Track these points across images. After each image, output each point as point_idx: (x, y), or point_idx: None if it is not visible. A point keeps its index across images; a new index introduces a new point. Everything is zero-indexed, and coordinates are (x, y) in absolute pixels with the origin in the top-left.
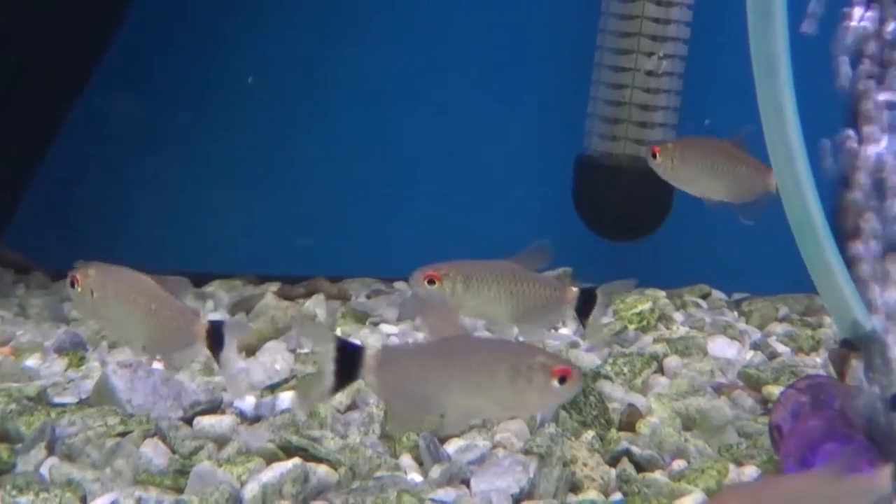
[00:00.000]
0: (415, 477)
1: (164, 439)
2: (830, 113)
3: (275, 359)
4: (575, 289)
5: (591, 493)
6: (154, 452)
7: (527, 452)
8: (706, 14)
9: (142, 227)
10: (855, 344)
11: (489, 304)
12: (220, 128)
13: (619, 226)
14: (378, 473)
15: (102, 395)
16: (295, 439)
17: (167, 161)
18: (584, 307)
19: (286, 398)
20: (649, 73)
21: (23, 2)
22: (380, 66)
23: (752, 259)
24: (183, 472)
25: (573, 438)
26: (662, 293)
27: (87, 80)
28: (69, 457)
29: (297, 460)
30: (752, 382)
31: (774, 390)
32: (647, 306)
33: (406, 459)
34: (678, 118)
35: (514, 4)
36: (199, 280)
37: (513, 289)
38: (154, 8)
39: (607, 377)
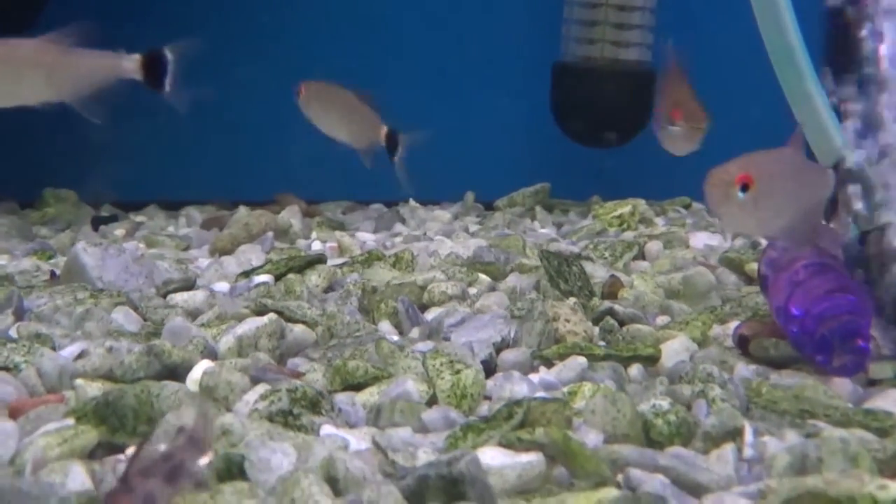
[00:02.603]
0: (393, 338)
1: (135, 309)
2: None
3: (249, 258)
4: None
5: None
6: (125, 319)
7: (511, 316)
8: None
9: (113, 158)
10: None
11: None
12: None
13: (598, 129)
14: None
15: (72, 273)
16: (270, 303)
17: (137, 95)
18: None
19: (261, 279)
20: None
21: None
22: None
23: None
24: (155, 334)
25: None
26: (642, 200)
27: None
28: (38, 321)
29: (272, 315)
30: (734, 265)
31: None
32: (626, 210)
33: (385, 325)
34: (654, 19)
35: None
36: (175, 206)
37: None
38: None
39: (588, 258)
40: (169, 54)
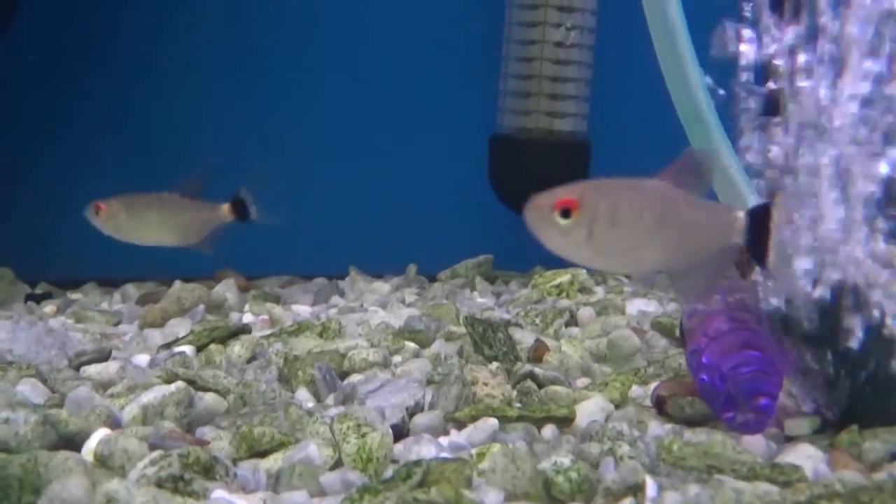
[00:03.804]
0: (309, 404)
1: (44, 381)
2: None
3: (177, 331)
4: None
5: None
6: (32, 392)
7: (429, 382)
8: None
9: (52, 236)
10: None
11: None
12: (131, 147)
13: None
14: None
15: None
16: (182, 371)
17: (84, 176)
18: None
19: (180, 349)
20: (558, 45)
21: None
22: (285, 56)
23: None
24: (60, 405)
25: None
26: (583, 269)
27: None
28: None
29: (180, 383)
30: (665, 330)
31: None
32: (565, 278)
33: (303, 393)
34: (589, 90)
35: None
36: (115, 284)
37: None
38: None
39: (518, 325)
40: None
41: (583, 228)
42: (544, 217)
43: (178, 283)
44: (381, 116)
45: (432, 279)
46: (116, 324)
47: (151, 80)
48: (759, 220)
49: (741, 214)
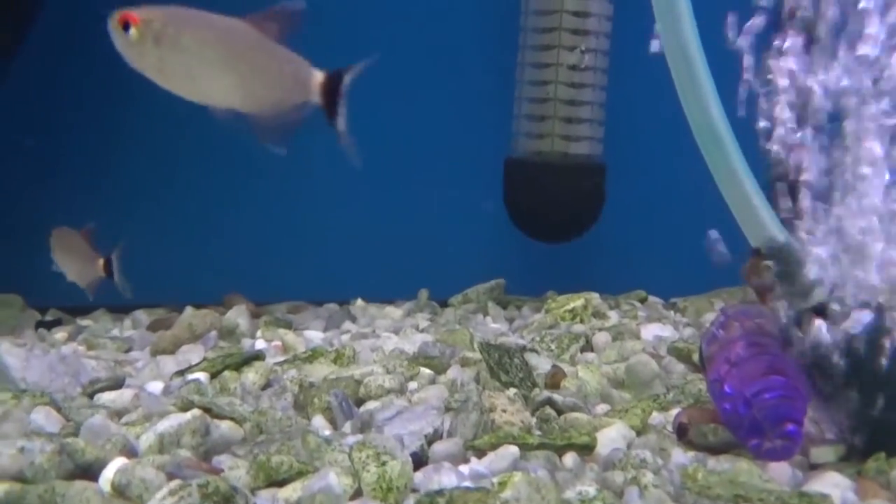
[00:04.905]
0: (325, 432)
1: (58, 410)
2: None
3: (189, 358)
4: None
5: None
6: (46, 420)
7: (446, 409)
8: (627, 8)
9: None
10: (766, 253)
11: None
12: (139, 173)
13: (552, 222)
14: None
15: None
16: (197, 399)
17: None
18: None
19: (194, 376)
20: (572, 68)
21: None
22: None
23: (688, 263)
24: (76, 434)
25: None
26: (596, 294)
27: None
28: None
29: (196, 411)
30: (682, 355)
31: None
32: (579, 303)
33: (319, 420)
34: (604, 113)
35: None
36: (126, 310)
37: None
38: None
39: (533, 350)
40: None
41: (145, 46)
42: (114, 28)
43: (189, 310)
44: (395, 141)
45: (443, 304)
46: (128, 350)
47: (156, 103)
48: (334, 82)
49: (320, 73)
